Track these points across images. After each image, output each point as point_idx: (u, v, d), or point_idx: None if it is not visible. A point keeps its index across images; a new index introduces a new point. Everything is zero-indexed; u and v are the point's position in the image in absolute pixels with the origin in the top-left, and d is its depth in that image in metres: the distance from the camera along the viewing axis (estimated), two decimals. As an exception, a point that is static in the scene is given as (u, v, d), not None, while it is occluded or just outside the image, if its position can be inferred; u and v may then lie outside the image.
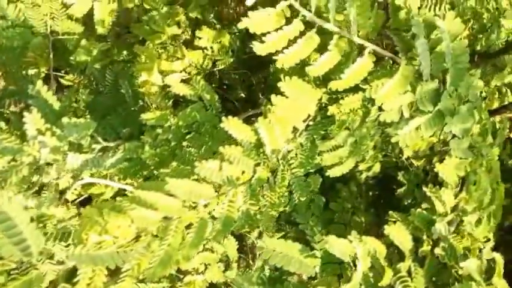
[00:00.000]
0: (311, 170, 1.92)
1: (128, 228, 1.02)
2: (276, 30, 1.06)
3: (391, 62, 1.30)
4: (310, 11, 1.11)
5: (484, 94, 2.01)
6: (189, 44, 2.67)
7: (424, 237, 1.19)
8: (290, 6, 1.06)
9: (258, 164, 1.37)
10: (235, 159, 1.31)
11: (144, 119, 1.64)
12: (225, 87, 3.21)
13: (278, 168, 1.43)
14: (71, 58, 2.09)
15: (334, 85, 1.24)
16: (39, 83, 1.35)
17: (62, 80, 2.77)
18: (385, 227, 1.11)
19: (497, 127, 2.45)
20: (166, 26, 2.59)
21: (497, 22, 1.39)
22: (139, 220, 1.04)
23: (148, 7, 2.54)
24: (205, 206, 1.22)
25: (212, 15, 2.94)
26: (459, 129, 1.30)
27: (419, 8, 1.39)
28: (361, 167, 2.34)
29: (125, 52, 2.73)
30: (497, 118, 2.34)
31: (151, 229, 1.08)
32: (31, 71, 2.36)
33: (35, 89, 1.34)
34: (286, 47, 1.13)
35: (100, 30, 2.32)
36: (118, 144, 1.67)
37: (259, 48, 1.08)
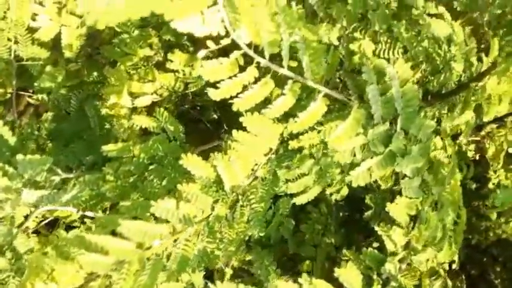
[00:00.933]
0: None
1: (76, 274, 1.01)
2: (230, 77, 1.09)
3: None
4: (264, 57, 1.14)
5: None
6: (161, 66, 2.67)
7: (375, 276, 1.22)
8: (244, 54, 1.09)
9: (216, 201, 1.38)
10: (193, 197, 1.31)
11: (106, 150, 1.63)
12: (198, 108, 3.22)
13: (237, 204, 1.44)
14: (35, 84, 2.06)
15: (290, 127, 1.27)
16: (-6, 117, 1.32)
17: (30, 100, 2.73)
18: (336, 269, 1.14)
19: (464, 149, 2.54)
20: (138, 48, 2.59)
21: (448, 65, 1.47)
22: (89, 265, 1.03)
23: (119, 30, 2.53)
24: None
25: (185, 37, 2.95)
26: (410, 170, 1.35)
27: (373, 52, 1.46)
28: (329, 190, 2.38)
29: (95, 73, 2.71)
30: (464, 141, 2.43)
31: (101, 273, 1.07)
32: (-5, 91, 2.31)
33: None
34: (242, 92, 1.16)
35: (68, 54, 2.31)
36: (79, 175, 1.65)
37: (213, 94, 1.10)
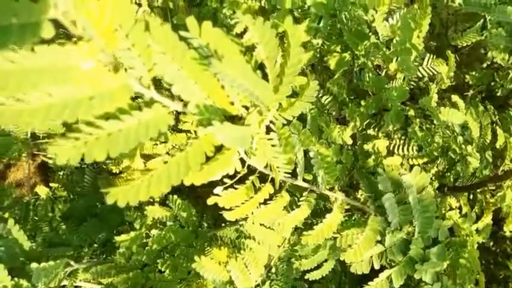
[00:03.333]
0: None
1: None
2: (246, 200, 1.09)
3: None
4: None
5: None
6: (173, 127, 2.71)
7: None
8: (260, 176, 1.09)
9: (230, 306, 1.35)
10: (206, 305, 1.29)
11: (118, 241, 1.62)
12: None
13: (251, 307, 1.41)
14: (50, 162, 2.09)
15: (305, 239, 1.25)
16: (11, 222, 1.33)
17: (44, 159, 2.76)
18: None
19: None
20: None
21: (464, 159, 1.45)
22: None
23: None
24: None
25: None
26: (430, 276, 1.31)
27: (387, 147, 1.45)
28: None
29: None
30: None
31: None
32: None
33: (5, 228, 1.32)
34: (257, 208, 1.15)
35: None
36: (90, 265, 1.64)
37: (229, 216, 1.10)
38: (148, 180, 0.70)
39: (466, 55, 2.33)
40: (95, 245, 2.03)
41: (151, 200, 2.01)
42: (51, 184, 2.32)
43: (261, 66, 0.88)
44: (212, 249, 1.80)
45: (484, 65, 2.22)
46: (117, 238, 1.62)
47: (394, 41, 1.21)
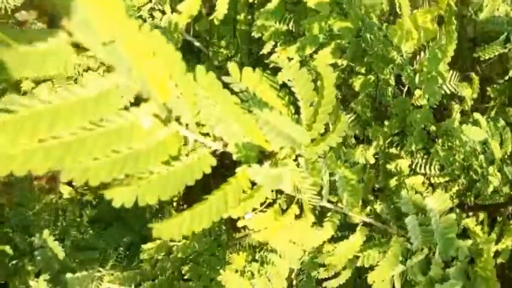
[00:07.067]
0: None
1: None
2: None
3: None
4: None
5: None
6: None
7: None
8: (286, 197, 1.14)
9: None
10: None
11: (145, 249, 1.69)
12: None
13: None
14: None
15: (328, 260, 1.29)
16: (46, 232, 1.41)
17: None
18: None
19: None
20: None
21: (486, 179, 1.47)
22: None
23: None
24: None
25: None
26: (449, 295, 1.34)
27: (410, 166, 1.47)
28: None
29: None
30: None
31: None
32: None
33: (41, 238, 1.40)
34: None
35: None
36: (116, 269, 1.72)
37: (257, 237, 1.14)
38: (191, 217, 0.75)
39: (487, 67, 2.32)
40: (120, 249, 2.10)
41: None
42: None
43: (294, 101, 0.91)
44: (232, 254, 1.86)
45: (506, 78, 2.21)
46: (144, 246, 1.69)
47: (422, 71, 1.24)
